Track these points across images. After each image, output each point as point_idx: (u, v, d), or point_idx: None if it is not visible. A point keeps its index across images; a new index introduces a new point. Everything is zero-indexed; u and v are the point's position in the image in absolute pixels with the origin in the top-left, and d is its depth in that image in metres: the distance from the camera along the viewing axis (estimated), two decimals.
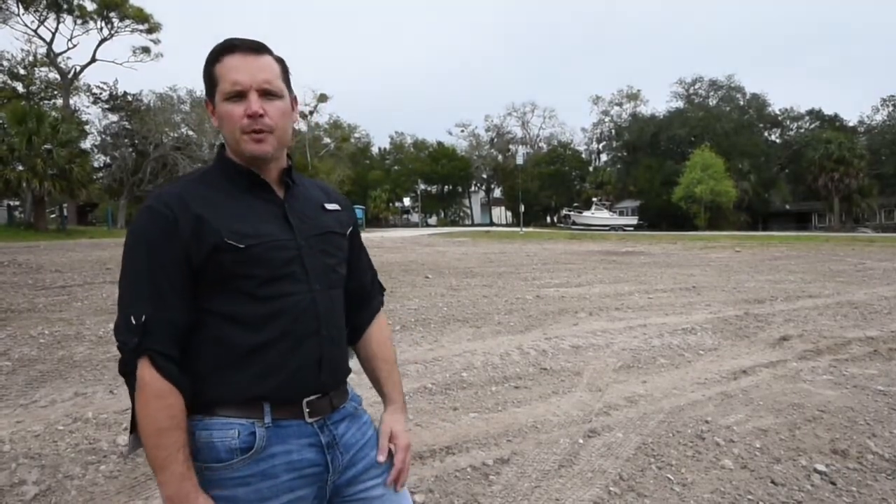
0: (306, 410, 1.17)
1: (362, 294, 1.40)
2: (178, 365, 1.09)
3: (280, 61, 1.20)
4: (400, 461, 1.28)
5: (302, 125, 55.01)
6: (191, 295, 1.11)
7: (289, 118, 1.19)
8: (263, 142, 1.14)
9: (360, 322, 1.39)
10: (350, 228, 1.34)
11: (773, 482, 2.81)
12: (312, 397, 1.17)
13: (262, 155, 1.15)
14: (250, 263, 1.11)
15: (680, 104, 58.90)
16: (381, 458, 1.27)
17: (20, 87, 36.55)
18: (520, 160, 55.59)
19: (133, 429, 1.13)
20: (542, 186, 59.33)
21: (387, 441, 1.30)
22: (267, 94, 1.14)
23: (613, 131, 63.21)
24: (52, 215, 32.87)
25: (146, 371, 1.06)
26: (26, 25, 35.26)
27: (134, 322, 1.06)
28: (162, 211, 1.10)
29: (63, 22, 36.12)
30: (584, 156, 64.85)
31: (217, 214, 1.11)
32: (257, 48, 1.15)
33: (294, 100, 1.24)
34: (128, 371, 1.08)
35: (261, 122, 1.13)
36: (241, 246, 1.10)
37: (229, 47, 1.14)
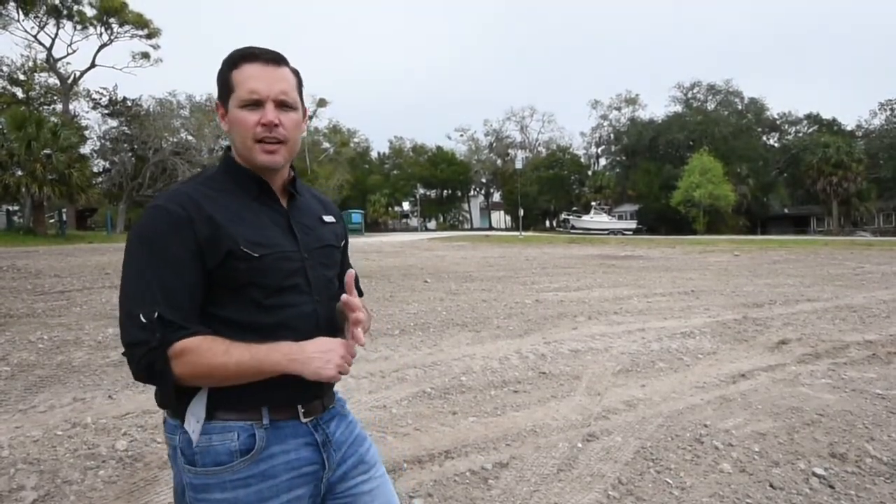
0: (301, 411, 1.19)
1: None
2: (205, 330, 1.09)
3: (296, 73, 1.22)
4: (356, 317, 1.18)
5: None
6: (203, 294, 1.10)
7: (299, 129, 1.21)
8: (275, 153, 1.16)
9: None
10: (343, 241, 1.37)
11: (771, 486, 2.82)
12: (307, 400, 1.21)
13: (274, 165, 1.17)
14: (262, 273, 1.12)
15: (678, 108, 59.16)
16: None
17: (20, 93, 36.56)
18: (519, 164, 55.58)
19: (184, 417, 1.12)
20: (541, 190, 59.41)
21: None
22: (283, 105, 1.15)
23: (612, 135, 63.35)
24: (52, 220, 32.84)
25: (185, 344, 1.04)
26: (26, 31, 35.36)
27: (145, 320, 1.03)
28: (175, 210, 1.08)
29: (63, 28, 36.23)
30: (582, 160, 64.98)
31: (230, 220, 1.12)
32: (277, 59, 1.17)
33: (305, 111, 1.26)
34: (159, 370, 1.04)
35: (275, 131, 1.14)
36: (256, 255, 1.11)
37: (250, 55, 1.15)
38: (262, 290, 1.13)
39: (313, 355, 1.08)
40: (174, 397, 1.10)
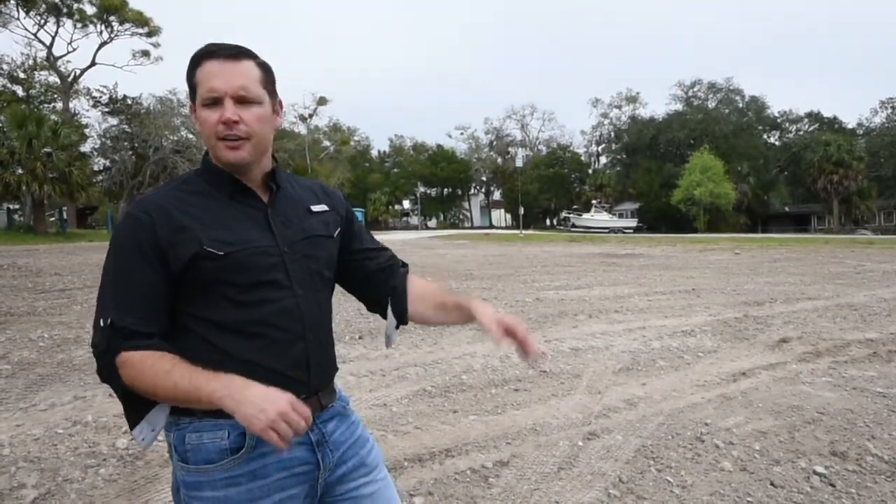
0: None
1: (385, 271, 1.37)
2: (157, 344, 1.08)
3: (262, 66, 1.18)
4: (523, 331, 1.21)
5: (301, 128, 55.14)
6: (163, 302, 1.11)
7: (268, 124, 1.17)
8: (239, 149, 1.13)
9: (397, 282, 1.36)
10: (338, 229, 1.31)
11: (772, 484, 2.82)
12: (301, 397, 1.17)
13: (238, 162, 1.14)
14: (231, 270, 1.11)
15: (679, 107, 59.11)
16: (503, 342, 1.19)
17: (20, 91, 36.56)
18: (519, 163, 55.60)
19: (133, 425, 1.13)
20: (541, 189, 59.40)
21: (495, 324, 1.20)
22: (243, 100, 1.12)
23: (613, 134, 63.36)
24: (52, 218, 32.88)
25: (129, 356, 1.05)
26: (26, 29, 35.50)
27: (101, 325, 1.07)
28: (141, 218, 1.10)
29: (63, 26, 36.27)
30: (583, 158, 64.97)
31: (198, 222, 1.11)
32: (236, 54, 1.14)
33: (279, 104, 1.22)
34: (108, 374, 1.08)
35: (236, 128, 1.11)
36: (221, 253, 1.10)
37: (208, 52, 1.13)
38: (235, 287, 1.12)
39: (251, 399, 0.99)
40: (123, 402, 1.12)
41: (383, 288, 1.37)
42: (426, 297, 1.36)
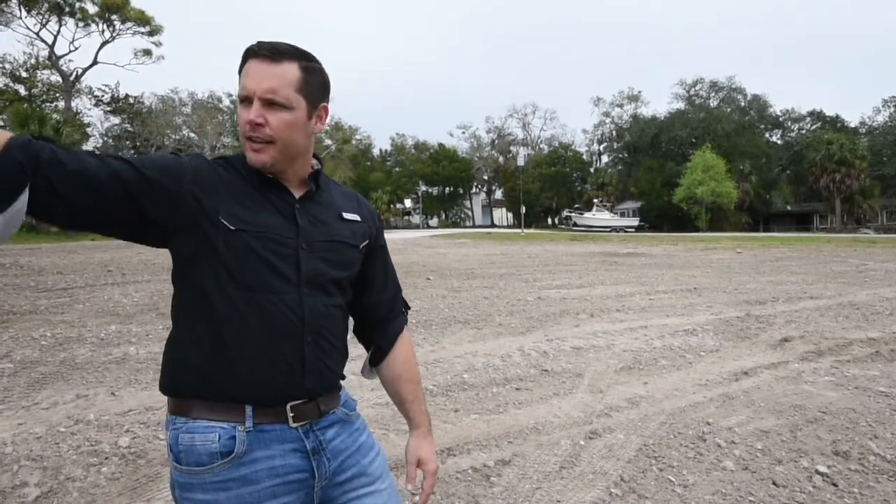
0: (290, 415, 1.14)
1: (382, 312, 1.37)
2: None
3: (306, 70, 1.14)
4: (429, 486, 1.32)
5: None
6: (105, 191, 1.01)
7: (298, 130, 1.15)
8: (261, 152, 1.12)
9: (384, 342, 1.38)
10: (366, 241, 1.30)
11: (774, 483, 2.81)
12: (297, 402, 1.15)
13: (259, 164, 1.13)
14: (240, 248, 1.10)
15: (681, 105, 59.01)
16: (410, 486, 1.31)
17: (22, 90, 36.63)
18: (521, 162, 55.62)
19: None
20: (543, 188, 59.38)
21: (414, 468, 1.33)
22: (271, 104, 1.10)
23: (614, 132, 63.34)
24: None
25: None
26: (28, 28, 35.62)
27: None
28: (178, 156, 1.12)
29: (65, 25, 36.27)
30: (585, 157, 64.93)
31: (222, 194, 1.11)
32: (275, 55, 1.11)
33: (323, 109, 1.20)
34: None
35: (259, 131, 1.10)
36: (233, 228, 1.09)
37: (251, 50, 1.12)
38: (240, 267, 1.10)
39: None
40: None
41: (370, 334, 1.39)
42: (393, 379, 1.39)
